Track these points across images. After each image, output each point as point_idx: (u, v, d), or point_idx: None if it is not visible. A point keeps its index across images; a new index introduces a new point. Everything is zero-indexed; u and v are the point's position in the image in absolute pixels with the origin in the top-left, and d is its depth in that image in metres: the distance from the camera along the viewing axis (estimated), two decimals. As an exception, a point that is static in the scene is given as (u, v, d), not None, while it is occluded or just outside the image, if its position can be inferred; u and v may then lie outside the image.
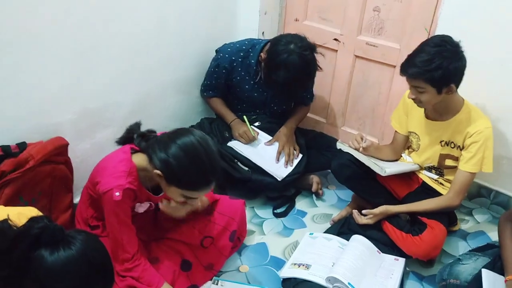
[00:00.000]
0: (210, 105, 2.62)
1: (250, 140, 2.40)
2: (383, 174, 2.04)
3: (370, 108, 2.68)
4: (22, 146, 1.76)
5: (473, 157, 1.93)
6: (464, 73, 1.84)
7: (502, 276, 1.63)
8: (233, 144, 2.41)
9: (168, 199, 1.77)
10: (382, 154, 2.18)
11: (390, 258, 2.02)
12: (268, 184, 2.34)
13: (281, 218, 2.35)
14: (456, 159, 2.02)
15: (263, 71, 2.38)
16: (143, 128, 1.77)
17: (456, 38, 1.87)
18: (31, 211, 1.29)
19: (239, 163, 2.34)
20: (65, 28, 1.84)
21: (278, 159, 2.38)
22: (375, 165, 2.05)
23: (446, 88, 1.82)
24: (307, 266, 1.94)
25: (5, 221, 1.14)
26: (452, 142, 2.01)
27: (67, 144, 1.89)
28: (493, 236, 2.23)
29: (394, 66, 2.43)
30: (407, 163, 2.21)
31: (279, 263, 2.06)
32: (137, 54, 2.21)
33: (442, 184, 2.13)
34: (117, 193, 1.58)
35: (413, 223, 2.05)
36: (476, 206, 2.47)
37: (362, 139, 2.10)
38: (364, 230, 2.10)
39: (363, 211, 2.10)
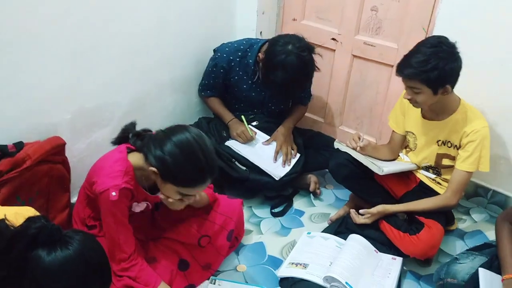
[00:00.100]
0: (208, 104, 2.62)
1: (248, 139, 2.40)
2: (380, 173, 2.04)
3: (368, 108, 2.69)
4: (19, 145, 1.75)
5: (470, 156, 1.93)
6: (459, 74, 1.84)
7: (499, 275, 1.63)
8: (231, 143, 2.41)
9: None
10: (379, 154, 2.19)
11: (387, 257, 2.02)
12: (265, 183, 2.34)
13: (279, 218, 2.36)
14: (453, 158, 2.02)
15: (261, 71, 2.38)
16: (140, 128, 1.77)
17: (453, 38, 1.87)
18: (28, 211, 1.29)
19: (236, 162, 2.34)
20: (62, 28, 1.84)
21: (276, 159, 2.38)
22: (373, 164, 2.05)
23: (442, 88, 1.83)
24: (305, 266, 1.94)
25: (2, 221, 1.14)
26: (449, 141, 2.01)
27: (64, 144, 1.88)
28: (490, 235, 2.23)
29: (392, 66, 2.43)
30: (404, 162, 2.22)
31: (276, 262, 2.06)
32: (134, 54, 2.20)
33: (440, 184, 2.13)
34: (114, 193, 1.58)
35: (411, 223, 2.06)
36: (473, 205, 2.47)
37: (359, 138, 2.10)
38: (361, 229, 2.10)
39: (361, 211, 2.10)
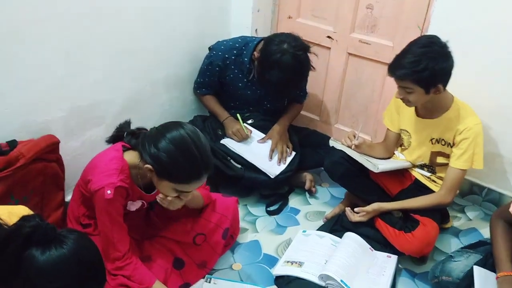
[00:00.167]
0: (203, 102, 2.61)
1: (243, 138, 2.40)
2: (375, 171, 2.04)
3: (363, 106, 2.69)
4: (12, 144, 1.75)
5: (464, 154, 1.94)
6: (451, 73, 1.85)
7: (493, 273, 1.63)
8: (226, 141, 2.41)
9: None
10: (374, 152, 2.19)
11: (382, 255, 2.03)
12: (261, 181, 2.33)
13: (274, 216, 2.35)
14: (448, 156, 2.02)
15: (256, 70, 2.37)
16: (134, 126, 1.76)
17: (448, 35, 1.87)
18: (22, 210, 1.28)
19: (232, 160, 2.34)
20: (55, 26, 1.83)
21: (271, 157, 2.38)
22: (368, 162, 2.05)
23: (434, 88, 1.84)
24: (300, 264, 1.94)
25: (-4, 220, 1.14)
26: (443, 139, 2.02)
27: (58, 142, 1.88)
28: (485, 233, 2.24)
29: (387, 64, 2.42)
30: (399, 160, 2.22)
31: (272, 260, 2.06)
32: (128, 52, 2.20)
33: (435, 182, 2.14)
34: (109, 191, 1.57)
35: (406, 220, 2.06)
36: (468, 203, 2.48)
37: (354, 136, 2.10)
38: (356, 227, 2.10)
39: (356, 209, 2.10)
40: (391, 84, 2.40)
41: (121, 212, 1.67)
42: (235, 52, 2.40)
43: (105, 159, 1.66)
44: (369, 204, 2.08)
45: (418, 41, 1.84)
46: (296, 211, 2.40)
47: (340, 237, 2.06)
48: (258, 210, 2.38)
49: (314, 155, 2.49)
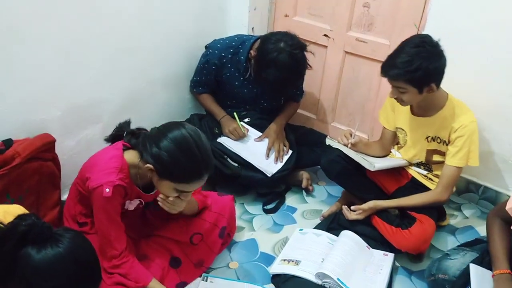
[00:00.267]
0: (199, 101, 2.61)
1: (240, 137, 2.40)
2: (372, 169, 2.04)
3: (360, 104, 2.69)
4: (8, 143, 1.74)
5: (459, 151, 1.95)
6: (444, 72, 1.85)
7: (489, 271, 1.64)
8: (223, 140, 2.40)
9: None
10: (371, 150, 2.19)
11: (379, 253, 2.03)
12: (258, 180, 2.33)
13: (271, 214, 2.35)
14: (444, 154, 2.03)
15: (253, 69, 2.37)
16: (133, 126, 1.76)
17: (444, 34, 1.87)
18: (18, 209, 1.28)
19: (228, 159, 2.34)
20: (52, 25, 1.82)
21: (268, 155, 2.38)
22: (364, 161, 2.06)
23: (427, 87, 1.84)
24: (297, 262, 1.94)
25: (-9, 219, 1.13)
26: (438, 137, 2.02)
27: (54, 141, 1.87)
28: (482, 231, 2.25)
29: (384, 62, 2.44)
30: (396, 158, 2.22)
31: (269, 259, 2.06)
32: (125, 51, 2.19)
33: (431, 180, 2.14)
34: (107, 189, 1.57)
35: (403, 218, 2.06)
36: (465, 201, 2.49)
37: (351, 135, 2.10)
38: (353, 225, 2.10)
39: (352, 207, 2.10)
40: (388, 82, 2.41)
41: (118, 211, 1.67)
42: (231, 50, 2.40)
43: (105, 157, 1.65)
44: (365, 202, 2.08)
45: (411, 41, 1.85)
46: (293, 210, 2.40)
47: (337, 235, 2.06)
48: (255, 209, 2.38)
49: (310, 154, 2.49)
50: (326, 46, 2.66)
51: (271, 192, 2.46)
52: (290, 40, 2.21)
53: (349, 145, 2.08)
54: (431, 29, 2.14)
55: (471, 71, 2.15)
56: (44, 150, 1.82)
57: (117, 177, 1.60)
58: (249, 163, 2.32)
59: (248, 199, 2.43)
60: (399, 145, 2.22)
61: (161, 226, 1.93)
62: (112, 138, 1.76)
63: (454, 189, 2.12)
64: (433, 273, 1.84)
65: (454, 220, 2.36)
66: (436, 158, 2.08)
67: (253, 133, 2.46)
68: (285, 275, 1.91)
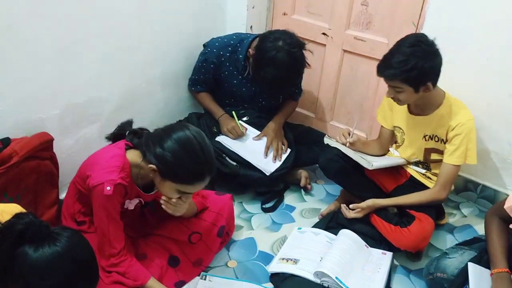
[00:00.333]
0: (198, 100, 2.60)
1: (238, 135, 2.39)
2: (370, 168, 2.04)
3: (359, 103, 2.69)
4: (5, 141, 1.73)
5: (457, 149, 1.95)
6: (440, 70, 1.85)
7: (488, 270, 1.64)
8: (221, 139, 2.40)
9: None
10: (369, 149, 2.19)
11: (377, 252, 2.03)
12: (256, 179, 2.33)
13: (270, 213, 2.35)
14: (442, 152, 2.03)
15: (251, 67, 2.37)
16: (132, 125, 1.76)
17: (443, 32, 1.87)
18: (15, 208, 1.27)
19: (227, 158, 2.33)
20: (49, 23, 1.82)
21: (266, 154, 2.37)
22: (362, 159, 2.05)
23: (423, 86, 1.84)
24: (295, 261, 1.94)
25: (-12, 218, 1.13)
26: (436, 136, 2.02)
27: (52, 140, 1.86)
28: (480, 229, 2.25)
29: (383, 61, 2.43)
30: (394, 157, 2.22)
31: (267, 258, 2.06)
32: (123, 49, 2.19)
33: (430, 178, 2.14)
34: (108, 188, 1.57)
35: (401, 216, 2.06)
36: (463, 200, 2.49)
37: (349, 134, 2.10)
38: (352, 224, 2.10)
39: (351, 206, 2.10)
40: (386, 81, 2.42)
41: (118, 210, 1.67)
42: (229, 49, 2.39)
43: (107, 156, 1.65)
44: (364, 201, 2.08)
45: (406, 40, 1.85)
46: (292, 208, 2.40)
47: (336, 234, 2.06)
48: (254, 207, 2.38)
49: (309, 152, 2.49)
50: (324, 45, 2.66)
51: (269, 190, 2.46)
52: (288, 38, 2.21)
53: (347, 144, 2.08)
54: (429, 28, 2.14)
55: (470, 70, 2.15)
56: (42, 149, 1.82)
57: (119, 175, 1.59)
58: (248, 161, 2.32)
59: (246, 198, 2.43)
60: (397, 144, 2.22)
61: (160, 225, 1.92)
62: (114, 137, 1.76)
63: (453, 187, 2.12)
64: (431, 271, 1.84)
65: (453, 218, 2.36)
66: (434, 156, 2.08)
67: (252, 131, 2.45)
68: (283, 274, 1.91)
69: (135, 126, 1.77)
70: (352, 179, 2.21)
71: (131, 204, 1.78)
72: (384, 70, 1.85)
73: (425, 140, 2.06)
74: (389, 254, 2.01)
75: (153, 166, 1.56)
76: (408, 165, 2.20)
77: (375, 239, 2.08)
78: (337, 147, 2.10)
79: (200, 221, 1.94)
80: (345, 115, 2.78)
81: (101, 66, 2.10)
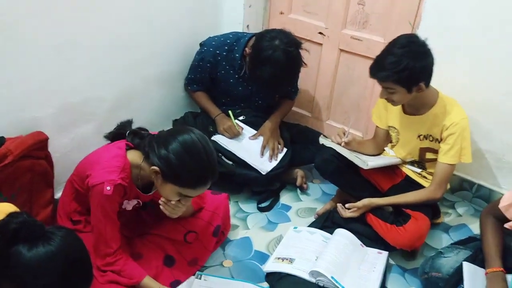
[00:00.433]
0: (194, 99, 2.60)
1: (234, 135, 2.39)
2: (365, 167, 2.05)
3: (355, 102, 2.69)
4: (0, 141, 1.72)
5: (451, 148, 1.95)
6: (432, 70, 1.86)
7: (482, 269, 1.64)
8: (218, 138, 2.40)
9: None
10: (364, 149, 2.20)
11: (373, 251, 2.03)
12: (252, 178, 2.33)
13: (266, 212, 2.35)
14: (437, 152, 2.03)
15: (247, 66, 2.37)
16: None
17: (439, 32, 1.87)
18: (8, 207, 1.27)
19: (223, 157, 2.33)
20: (44, 22, 1.81)
21: (262, 153, 2.37)
22: (358, 159, 2.06)
23: (416, 87, 1.85)
24: (291, 260, 1.94)
25: (-18, 217, 1.13)
26: (430, 135, 2.03)
27: (47, 139, 1.86)
28: (475, 228, 2.25)
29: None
30: (389, 156, 2.23)
31: (263, 257, 2.06)
32: (119, 48, 2.18)
33: (426, 177, 2.14)
34: (108, 188, 1.56)
35: (397, 215, 2.07)
36: (459, 199, 2.49)
37: (344, 134, 2.11)
38: (347, 223, 2.11)
39: (347, 205, 2.11)
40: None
41: (116, 210, 1.66)
42: (226, 48, 2.39)
43: (107, 155, 1.65)
44: (360, 200, 2.08)
45: (397, 41, 1.85)
46: (288, 208, 2.40)
47: (331, 233, 2.06)
48: (249, 207, 2.38)
49: (305, 152, 2.49)
50: (321, 44, 2.66)
51: (265, 190, 2.45)
52: (285, 37, 2.21)
53: (343, 144, 2.08)
54: (425, 27, 2.14)
55: (464, 69, 2.16)
56: (36, 148, 1.81)
57: (119, 176, 1.59)
58: (244, 161, 2.32)
59: (242, 197, 2.43)
60: (392, 144, 2.22)
61: (155, 225, 1.92)
62: (113, 136, 1.76)
63: (448, 186, 2.12)
64: (426, 271, 1.84)
65: (448, 218, 2.37)
66: (429, 156, 2.08)
67: (248, 131, 2.45)
68: (279, 273, 1.91)
69: (137, 127, 1.76)
70: (348, 179, 2.21)
71: (129, 205, 1.77)
72: (376, 72, 1.86)
73: (420, 140, 2.06)
74: (385, 254, 2.01)
75: (156, 168, 1.55)
76: (404, 165, 2.20)
77: (370, 239, 2.08)
78: (332, 147, 2.11)
79: (195, 220, 1.94)
80: (342, 114, 2.78)
81: (97, 65, 2.10)
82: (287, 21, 2.70)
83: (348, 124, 2.16)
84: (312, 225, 2.21)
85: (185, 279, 1.88)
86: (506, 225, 1.57)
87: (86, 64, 2.05)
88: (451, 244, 1.94)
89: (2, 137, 1.75)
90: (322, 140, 2.15)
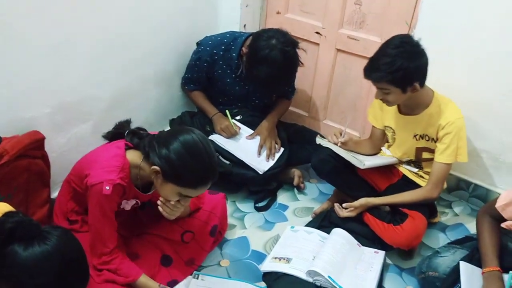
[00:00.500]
0: (191, 98, 2.60)
1: (232, 135, 2.39)
2: (362, 167, 2.05)
3: (352, 102, 2.69)
4: (-4, 140, 1.72)
5: (447, 148, 1.95)
6: (427, 70, 1.86)
7: (479, 268, 1.64)
8: (215, 137, 2.40)
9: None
10: (361, 149, 2.20)
11: (370, 251, 2.03)
12: (249, 178, 2.33)
13: (263, 212, 2.35)
14: (433, 151, 2.03)
15: (244, 66, 2.37)
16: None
17: (436, 32, 1.88)
18: (4, 207, 1.27)
19: (220, 157, 2.33)
20: (41, 21, 1.80)
21: (259, 153, 2.37)
22: (354, 159, 2.06)
23: (410, 87, 1.85)
24: (288, 260, 1.94)
25: (-23, 217, 1.12)
26: (426, 135, 2.03)
27: (43, 138, 1.85)
28: (472, 228, 2.26)
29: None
30: (386, 156, 2.23)
31: (260, 257, 2.06)
32: (116, 47, 2.17)
33: (422, 177, 2.15)
34: (107, 187, 1.56)
35: (394, 214, 2.07)
36: (455, 198, 2.50)
37: (340, 134, 2.11)
38: (345, 223, 2.11)
39: (344, 204, 2.11)
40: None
41: (114, 209, 1.66)
42: (223, 47, 2.39)
43: (107, 155, 1.64)
44: (357, 200, 2.09)
45: (391, 42, 1.85)
46: (285, 207, 2.40)
47: (328, 233, 2.06)
48: (247, 206, 2.38)
49: (302, 151, 2.49)
50: (318, 44, 2.66)
51: (262, 189, 2.45)
52: (282, 37, 2.21)
53: (339, 144, 2.08)
54: (422, 27, 2.15)
55: (461, 68, 2.16)
56: (33, 148, 1.80)
57: (118, 176, 1.59)
58: (241, 160, 2.32)
59: (239, 197, 2.43)
60: (388, 143, 2.22)
61: (152, 224, 1.92)
62: (111, 136, 1.75)
63: (445, 185, 2.13)
64: (423, 270, 1.85)
65: (445, 217, 2.37)
66: (425, 155, 2.08)
67: (245, 130, 2.45)
68: (276, 273, 1.91)
69: (136, 126, 1.75)
70: (345, 179, 2.22)
71: (127, 205, 1.77)
72: (370, 73, 1.87)
73: (416, 140, 2.07)
74: (382, 253, 2.01)
75: (156, 168, 1.55)
76: (401, 164, 2.21)
77: (367, 238, 2.09)
78: (329, 147, 2.11)
79: (193, 219, 1.94)
80: (338, 114, 2.78)
81: (93, 65, 2.09)
82: (284, 20, 2.70)
83: (345, 124, 2.16)
84: (309, 224, 2.21)
85: (182, 279, 1.87)
86: (503, 225, 1.58)
87: (83, 63, 2.04)
88: (448, 243, 1.95)
89: (-2, 137, 1.74)
90: (319, 140, 2.15)
